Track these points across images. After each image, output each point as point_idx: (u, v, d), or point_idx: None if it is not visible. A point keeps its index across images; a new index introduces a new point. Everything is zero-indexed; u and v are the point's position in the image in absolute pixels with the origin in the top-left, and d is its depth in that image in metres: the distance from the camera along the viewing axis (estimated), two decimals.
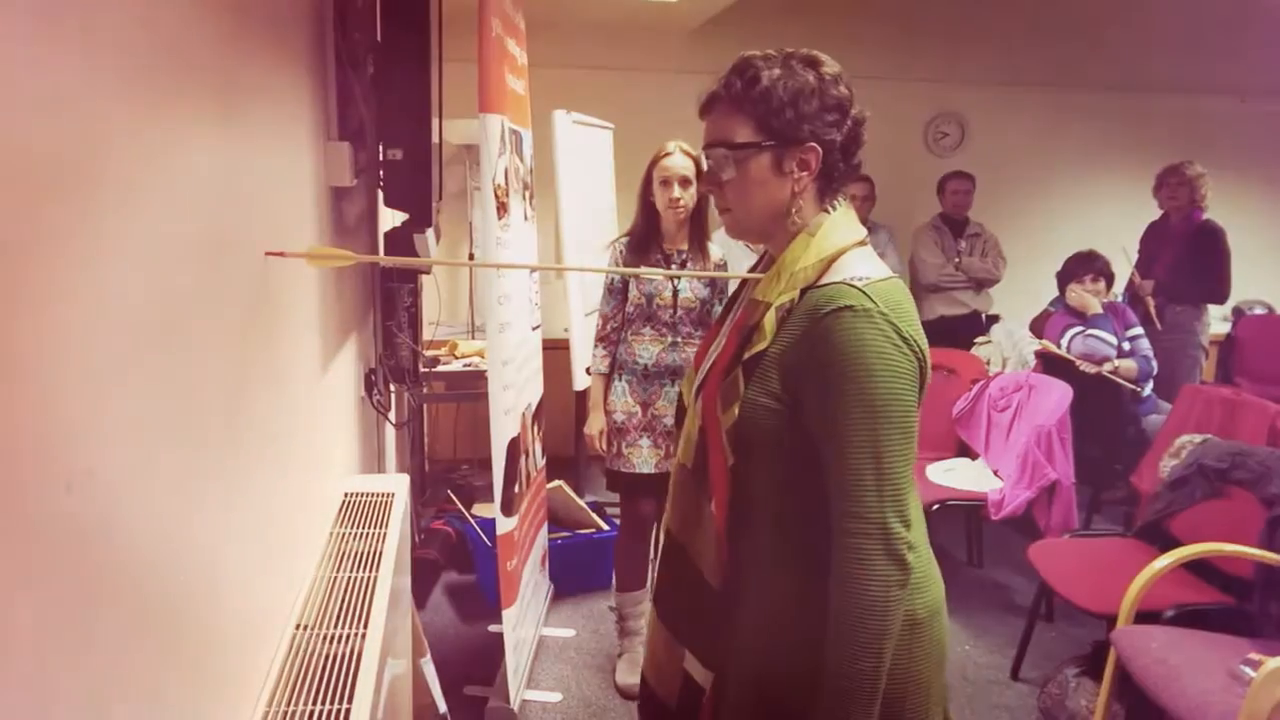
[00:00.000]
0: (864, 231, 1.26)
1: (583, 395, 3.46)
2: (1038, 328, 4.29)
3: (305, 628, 1.59)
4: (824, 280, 1.18)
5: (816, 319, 1.15)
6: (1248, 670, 2.05)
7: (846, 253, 1.21)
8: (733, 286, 2.74)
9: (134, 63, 0.98)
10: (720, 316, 1.42)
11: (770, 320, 1.19)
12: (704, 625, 1.30)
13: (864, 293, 1.14)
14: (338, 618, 1.63)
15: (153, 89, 1.03)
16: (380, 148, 2.31)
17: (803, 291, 1.19)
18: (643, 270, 2.73)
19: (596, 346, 2.86)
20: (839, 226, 1.24)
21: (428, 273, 3.04)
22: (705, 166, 1.28)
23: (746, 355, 1.20)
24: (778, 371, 1.18)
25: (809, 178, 1.23)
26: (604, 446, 2.83)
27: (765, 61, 1.21)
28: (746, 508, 1.23)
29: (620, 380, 2.81)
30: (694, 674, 1.32)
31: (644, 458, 2.77)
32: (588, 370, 2.92)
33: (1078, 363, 3.82)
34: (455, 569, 3.61)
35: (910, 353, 1.14)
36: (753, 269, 1.39)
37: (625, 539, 2.92)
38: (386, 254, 2.53)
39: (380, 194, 2.47)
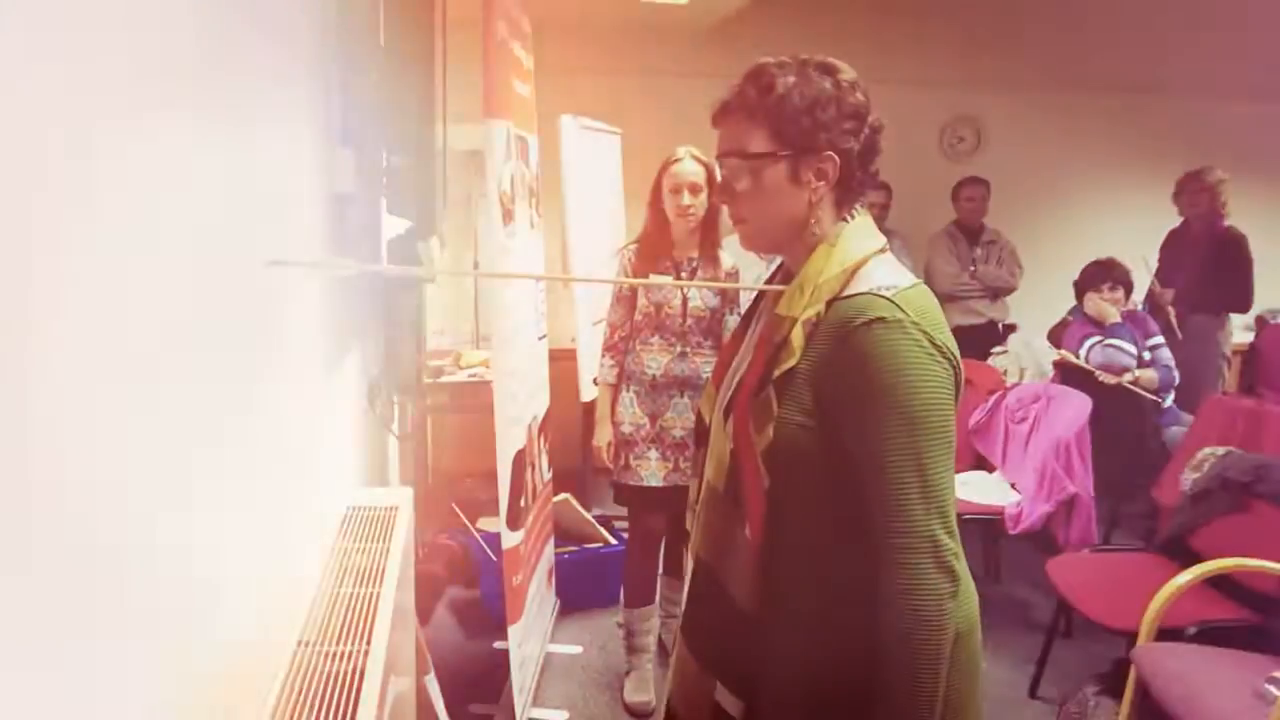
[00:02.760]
0: (884, 239, 1.24)
1: (590, 406, 3.41)
2: (1055, 337, 4.22)
3: (307, 644, 1.57)
4: (849, 291, 1.16)
5: (847, 332, 1.12)
6: (1273, 689, 2.01)
7: (869, 261, 1.18)
8: (744, 295, 2.72)
9: (134, 68, 0.97)
10: (737, 331, 1.38)
11: (798, 335, 1.16)
12: (736, 653, 1.26)
13: (893, 302, 1.12)
14: (340, 634, 1.60)
15: (153, 95, 1.02)
16: (384, 154, 2.29)
17: (829, 304, 1.16)
18: (653, 280, 2.70)
19: (604, 356, 2.82)
20: (858, 235, 1.21)
21: (431, 281, 3.02)
22: (718, 174, 1.26)
23: (777, 373, 1.17)
24: (810, 389, 1.15)
25: (826, 187, 1.20)
26: (611, 459, 2.79)
27: (780, 69, 1.19)
28: (783, 529, 1.20)
29: (628, 391, 2.76)
30: (725, 704, 1.27)
31: (652, 470, 2.72)
32: (595, 381, 2.88)
33: (1097, 373, 3.76)
34: (460, 584, 3.56)
35: (944, 360, 1.12)
36: (769, 280, 1.36)
37: (633, 554, 2.88)
38: (389, 262, 2.50)
39: (383, 201, 2.44)
